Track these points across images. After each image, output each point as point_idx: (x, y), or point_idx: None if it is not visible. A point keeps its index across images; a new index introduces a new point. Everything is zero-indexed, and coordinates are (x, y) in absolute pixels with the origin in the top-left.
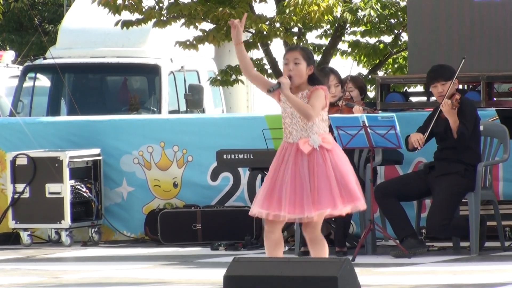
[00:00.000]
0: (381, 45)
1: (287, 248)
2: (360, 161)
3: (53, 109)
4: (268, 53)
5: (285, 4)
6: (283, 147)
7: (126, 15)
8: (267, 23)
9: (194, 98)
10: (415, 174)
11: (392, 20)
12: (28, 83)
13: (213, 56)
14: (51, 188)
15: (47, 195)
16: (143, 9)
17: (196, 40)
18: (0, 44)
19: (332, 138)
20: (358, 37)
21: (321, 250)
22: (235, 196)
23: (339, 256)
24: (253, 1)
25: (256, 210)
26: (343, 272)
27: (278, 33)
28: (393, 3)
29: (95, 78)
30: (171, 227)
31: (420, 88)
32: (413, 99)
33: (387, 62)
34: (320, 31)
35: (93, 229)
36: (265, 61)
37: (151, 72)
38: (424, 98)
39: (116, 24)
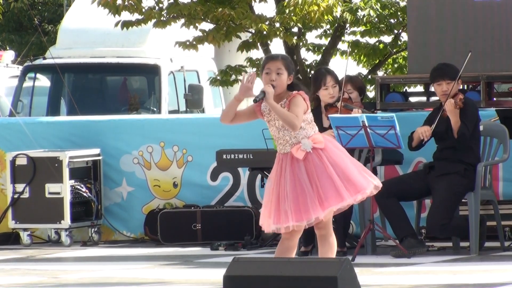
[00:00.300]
0: (381, 45)
1: None
2: (360, 161)
3: (53, 109)
4: (268, 53)
5: (285, 4)
6: (279, 158)
7: (126, 15)
8: (267, 23)
9: (194, 98)
10: (415, 174)
11: (391, 20)
12: (28, 83)
13: (213, 56)
14: (51, 188)
15: (47, 195)
16: (143, 10)
17: (195, 40)
18: (0, 44)
19: (322, 136)
20: (358, 37)
21: (328, 250)
22: (235, 196)
23: (339, 256)
24: (253, 1)
25: (272, 226)
26: (343, 272)
27: (278, 33)
28: (392, 3)
29: (95, 78)
30: (170, 227)
31: (419, 88)
32: (413, 99)
33: (386, 62)
34: (320, 31)
35: (93, 229)
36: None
37: (151, 72)
38: (423, 98)
39: (116, 24)
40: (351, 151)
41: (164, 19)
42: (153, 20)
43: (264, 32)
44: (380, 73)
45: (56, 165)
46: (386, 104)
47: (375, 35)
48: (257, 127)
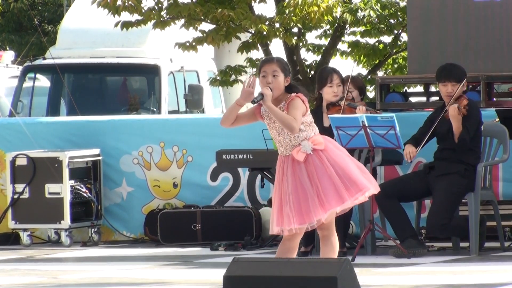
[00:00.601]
0: (381, 45)
1: None
2: (360, 161)
3: (52, 109)
4: (267, 53)
5: (285, 4)
6: (280, 161)
7: (125, 15)
8: (266, 23)
9: (193, 99)
10: (415, 175)
11: (391, 20)
12: (27, 83)
13: (213, 57)
14: (50, 188)
15: (47, 195)
16: (143, 10)
17: (195, 41)
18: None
19: (322, 137)
20: (358, 37)
21: (330, 251)
22: (234, 196)
23: (339, 256)
24: (252, 2)
25: (275, 229)
26: (343, 272)
27: (277, 33)
28: (392, 3)
29: (95, 78)
30: (170, 228)
31: (419, 88)
32: (413, 99)
33: (386, 62)
34: (319, 31)
35: (93, 229)
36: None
37: (151, 72)
38: (423, 98)
39: (116, 25)
40: (351, 151)
41: (164, 19)
42: (153, 21)
43: (264, 33)
44: (380, 73)
45: (56, 165)
46: (386, 104)
47: (375, 35)
48: (257, 128)
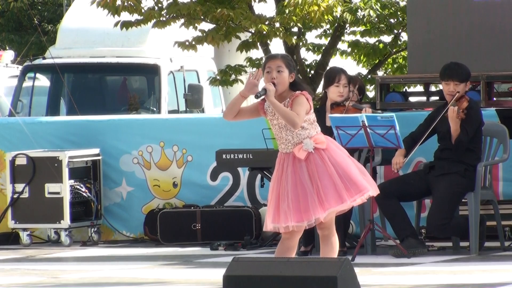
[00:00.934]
0: (381, 45)
1: None
2: (360, 161)
3: (52, 109)
4: (267, 53)
5: (285, 4)
6: (280, 158)
7: (125, 15)
8: (266, 23)
9: (193, 98)
10: (415, 174)
11: (391, 20)
12: (27, 83)
13: (213, 56)
14: (50, 188)
15: (47, 195)
16: (142, 10)
17: (195, 41)
18: None
19: (324, 136)
20: (358, 37)
21: (330, 250)
22: (234, 196)
23: (339, 256)
24: (252, 1)
25: (270, 225)
26: (343, 272)
27: (277, 33)
28: (392, 3)
29: (95, 78)
30: (170, 227)
31: (419, 88)
32: (413, 99)
33: (386, 62)
34: (319, 31)
35: (93, 229)
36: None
37: (151, 72)
38: (423, 98)
39: (116, 25)
40: (351, 151)
41: (164, 19)
42: (153, 21)
43: (264, 32)
44: (380, 73)
45: (56, 165)
46: (386, 104)
47: (375, 35)
48: (257, 127)
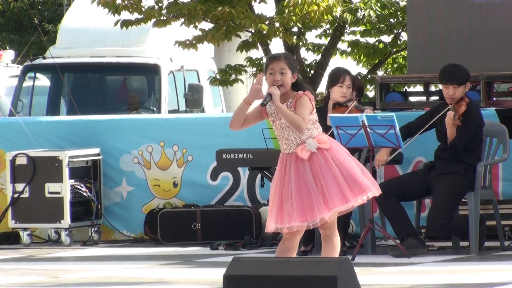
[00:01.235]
0: (381, 45)
1: None
2: (360, 161)
3: (52, 109)
4: (267, 53)
5: (285, 4)
6: (283, 159)
7: (125, 14)
8: (266, 22)
9: (193, 98)
10: (415, 174)
11: (391, 20)
12: (27, 83)
13: (213, 56)
14: (50, 187)
15: (47, 195)
16: (143, 9)
17: (195, 40)
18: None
19: (327, 136)
20: (358, 37)
21: (332, 250)
22: (234, 196)
23: (339, 255)
24: (252, 1)
25: (272, 226)
26: (343, 271)
27: (277, 32)
28: (392, 3)
29: (95, 77)
30: (170, 227)
31: (419, 88)
32: (413, 98)
33: (386, 62)
34: (319, 30)
35: (93, 229)
36: (264, 60)
37: (151, 71)
38: (423, 98)
39: (116, 23)
40: (351, 151)
41: (164, 18)
42: (153, 20)
43: (264, 32)
44: (380, 73)
45: (56, 164)
46: (386, 104)
47: (375, 35)
48: (257, 127)
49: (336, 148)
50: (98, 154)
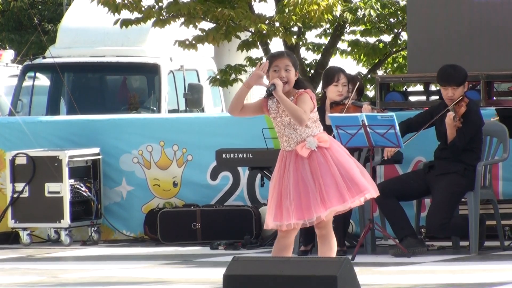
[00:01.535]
0: (381, 45)
1: None
2: (360, 161)
3: (52, 108)
4: (267, 52)
5: (285, 3)
6: (282, 156)
7: (125, 14)
8: (266, 22)
9: (193, 97)
10: (415, 174)
11: (391, 20)
12: (27, 82)
13: (213, 55)
14: (50, 187)
15: (47, 194)
16: (142, 8)
17: (195, 40)
18: None
19: (328, 135)
20: (358, 36)
21: (328, 250)
22: (234, 195)
23: (339, 255)
24: (252, 1)
25: (272, 223)
26: (343, 271)
27: (277, 32)
28: (392, 2)
29: (95, 77)
30: (170, 227)
31: (419, 87)
32: (413, 98)
33: (386, 62)
34: (319, 30)
35: (93, 229)
36: (264, 60)
37: (151, 71)
38: (423, 98)
39: (115, 23)
40: (351, 151)
41: (164, 18)
42: (153, 19)
43: (264, 32)
44: (380, 73)
45: (56, 164)
46: (386, 104)
47: (375, 35)
48: (257, 127)
49: (336, 147)
50: (98, 154)
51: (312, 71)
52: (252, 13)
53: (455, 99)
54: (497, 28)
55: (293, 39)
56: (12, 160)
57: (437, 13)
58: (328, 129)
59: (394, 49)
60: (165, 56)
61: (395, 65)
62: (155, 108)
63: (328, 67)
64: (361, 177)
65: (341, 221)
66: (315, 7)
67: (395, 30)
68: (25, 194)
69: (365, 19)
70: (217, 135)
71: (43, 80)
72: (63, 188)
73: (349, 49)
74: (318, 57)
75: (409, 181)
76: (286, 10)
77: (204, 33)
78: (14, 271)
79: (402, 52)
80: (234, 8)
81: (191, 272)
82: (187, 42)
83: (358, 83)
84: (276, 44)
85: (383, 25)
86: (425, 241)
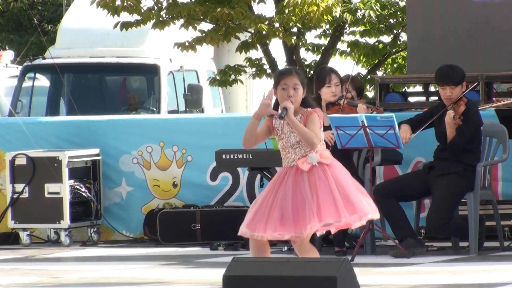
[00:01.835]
0: (380, 45)
1: (286, 248)
2: (359, 161)
3: (52, 109)
4: (267, 53)
5: (284, 4)
6: (283, 171)
7: (125, 15)
8: (266, 23)
9: (193, 98)
10: (414, 174)
11: (391, 20)
12: (27, 83)
13: (212, 56)
14: (50, 188)
15: (46, 195)
16: (142, 10)
17: (194, 41)
18: None
19: (330, 154)
20: (357, 37)
21: (305, 254)
22: (234, 196)
23: (338, 256)
24: (252, 1)
25: (244, 229)
26: (342, 272)
27: (277, 33)
28: (392, 3)
29: (94, 78)
30: (170, 227)
31: (419, 88)
32: (412, 99)
33: (386, 62)
34: (319, 31)
35: (92, 229)
36: (264, 60)
37: (150, 72)
38: (423, 98)
39: (115, 25)
40: (350, 151)
41: (163, 19)
42: (152, 21)
43: (264, 32)
44: (380, 73)
45: (56, 165)
46: (386, 104)
47: (375, 35)
48: None
49: (337, 166)
50: (98, 155)
51: (312, 72)
52: (252, 14)
53: (453, 99)
54: (497, 29)
55: (293, 40)
56: (12, 161)
57: (436, 14)
58: (326, 130)
59: (394, 50)
60: (164, 57)
61: (395, 65)
62: (154, 109)
63: (319, 68)
64: (358, 199)
65: None
66: (315, 8)
67: (395, 31)
68: (25, 195)
69: (365, 20)
70: (216, 135)
71: (42, 81)
72: (62, 189)
73: (348, 50)
74: (317, 58)
75: (409, 181)
76: (286, 11)
77: (203, 34)
78: (14, 271)
79: (402, 53)
80: (234, 9)
81: (191, 272)
82: (186, 44)
83: (350, 79)
84: (276, 45)
85: (382, 25)
86: (424, 242)
